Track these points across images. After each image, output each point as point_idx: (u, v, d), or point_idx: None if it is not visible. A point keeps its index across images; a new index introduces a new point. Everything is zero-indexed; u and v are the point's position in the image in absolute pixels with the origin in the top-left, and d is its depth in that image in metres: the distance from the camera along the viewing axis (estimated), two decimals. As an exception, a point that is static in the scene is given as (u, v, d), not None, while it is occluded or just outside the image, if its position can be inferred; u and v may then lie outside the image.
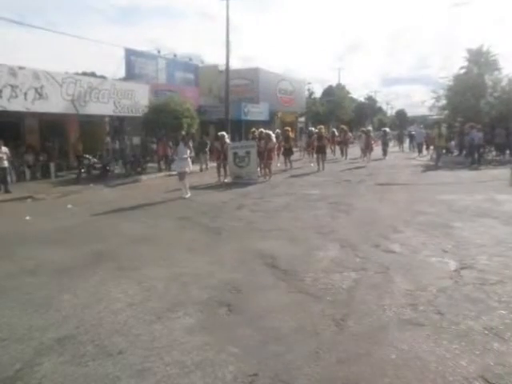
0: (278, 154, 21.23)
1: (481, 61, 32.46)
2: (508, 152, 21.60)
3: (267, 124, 29.29)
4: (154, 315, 4.27)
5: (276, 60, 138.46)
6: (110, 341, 3.77)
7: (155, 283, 5.19)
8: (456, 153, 24.46)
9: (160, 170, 19.52)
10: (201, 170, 19.81)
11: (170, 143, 19.65)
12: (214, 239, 7.36)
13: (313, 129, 24.11)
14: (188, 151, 12.35)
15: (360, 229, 7.71)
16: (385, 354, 3.46)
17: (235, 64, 33.21)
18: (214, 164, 17.16)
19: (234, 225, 8.37)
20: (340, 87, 56.49)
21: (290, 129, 20.99)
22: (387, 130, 28.16)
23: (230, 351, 3.54)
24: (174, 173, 18.13)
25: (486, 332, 3.75)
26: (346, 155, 25.11)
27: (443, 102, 29.46)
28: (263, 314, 4.27)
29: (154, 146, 22.23)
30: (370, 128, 23.38)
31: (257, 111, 32.47)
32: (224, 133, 16.46)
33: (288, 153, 19.69)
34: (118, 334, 3.91)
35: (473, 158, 19.50)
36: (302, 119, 44.80)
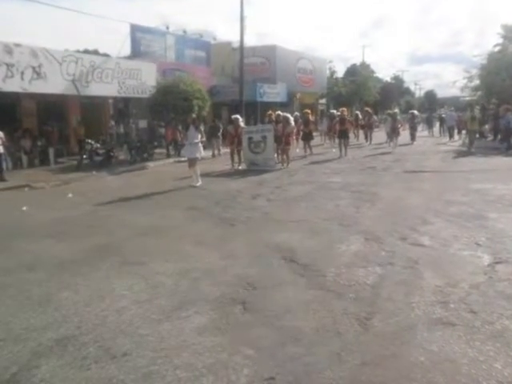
0: (297, 139, 21.13)
1: (517, 38, 31.71)
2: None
3: (285, 106, 29.12)
4: (162, 314, 4.25)
5: (295, 37, 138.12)
6: (114, 342, 3.75)
7: (163, 279, 5.17)
8: (490, 137, 24.04)
9: (168, 156, 19.56)
10: (213, 155, 19.83)
11: (180, 127, 19.55)
12: (227, 231, 7.34)
13: (334, 111, 23.88)
14: (199, 136, 12.12)
15: (386, 220, 7.64)
16: (413, 356, 3.40)
17: (250, 41, 33.15)
18: (228, 150, 17.14)
19: (249, 216, 8.32)
20: (364, 66, 56.04)
21: (309, 111, 20.68)
22: (415, 112, 27.81)
23: (245, 353, 3.51)
24: (183, 159, 18.14)
25: (524, 333, 3.67)
26: (371, 140, 25.00)
27: (476, 82, 29.09)
28: (281, 312, 4.23)
29: (162, 131, 22.15)
30: (396, 111, 23.12)
31: (274, 92, 32.30)
32: (238, 116, 16.40)
33: (308, 137, 19.39)
34: (122, 334, 3.89)
35: (508, 143, 19.11)
36: (323, 101, 44.51)
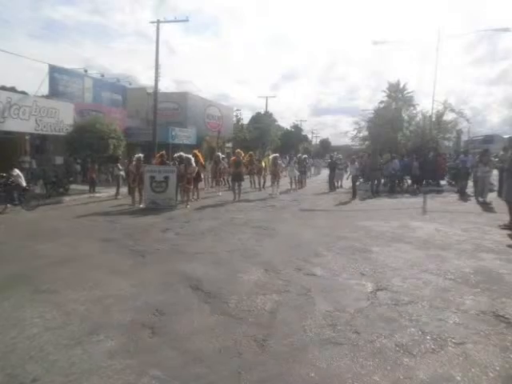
0: (224, 179, 21.23)
1: (398, 97, 34.68)
2: (424, 182, 22.95)
3: (194, 148, 29.30)
4: (74, 339, 4.15)
5: (211, 85, 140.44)
6: (24, 368, 3.60)
7: (76, 306, 5.04)
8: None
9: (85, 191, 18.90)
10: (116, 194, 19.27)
11: (96, 165, 19.19)
12: (138, 261, 7.27)
13: (219, 154, 22.02)
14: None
15: (283, 253, 7.91)
16: (305, 373, 3.60)
17: (170, 86, 33.54)
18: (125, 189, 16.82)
19: (158, 247, 8.30)
20: (267, 115, 57.73)
21: (241, 152, 19.35)
22: (304, 156, 27.16)
23: (153, 374, 3.53)
24: (98, 195, 17.73)
25: (398, 349, 4.01)
26: (263, 184, 23.01)
27: (365, 133, 31.14)
28: (187, 335, 4.29)
29: (78, 167, 21.57)
30: (276, 154, 21.98)
31: (185, 135, 32.50)
32: (140, 155, 16.08)
33: (238, 178, 17.47)
34: (32, 360, 3.74)
35: (462, 185, 19.62)
36: (230, 145, 45.28)
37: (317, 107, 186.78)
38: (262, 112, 58.87)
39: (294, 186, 22.59)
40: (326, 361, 3.80)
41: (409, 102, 36.36)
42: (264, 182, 23.08)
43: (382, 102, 37.40)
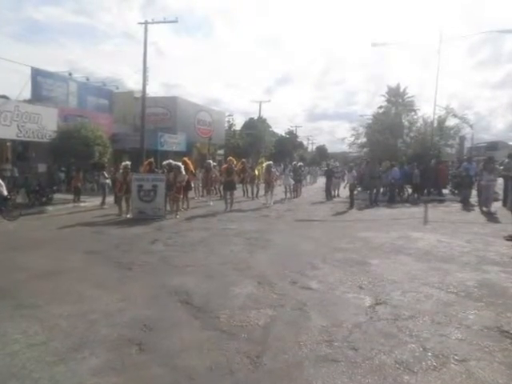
0: (216, 187, 21.25)
1: (398, 101, 34.95)
2: (425, 191, 23.05)
3: (183, 155, 29.33)
4: (57, 356, 4.13)
5: (202, 90, 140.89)
6: (5, 386, 3.59)
7: (59, 321, 5.02)
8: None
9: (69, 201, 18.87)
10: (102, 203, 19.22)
11: (81, 173, 19.16)
12: (125, 274, 7.26)
13: (211, 161, 21.77)
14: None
15: (277, 265, 7.92)
16: (298, 391, 3.60)
17: (159, 91, 33.53)
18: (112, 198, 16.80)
19: (146, 260, 8.29)
20: (261, 120, 57.78)
21: (233, 159, 19.26)
22: (299, 164, 27.13)
23: (139, 392, 3.52)
24: (82, 204, 17.67)
25: (398, 366, 4.02)
26: (257, 194, 22.85)
27: (363, 139, 31.20)
28: (176, 352, 4.28)
29: (62, 175, 21.51)
30: (270, 162, 21.80)
31: (174, 142, 32.55)
32: (128, 162, 16.02)
33: (230, 187, 17.40)
34: (14, 378, 3.73)
35: (465, 194, 19.73)
36: (221, 152, 45.34)
37: (313, 112, 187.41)
38: (256, 117, 59.01)
39: (288, 195, 22.64)
40: (322, 379, 3.80)
41: (409, 106, 36.67)
42: (257, 191, 23.05)
43: (381, 106, 37.73)
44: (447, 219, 14.37)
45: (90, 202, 18.90)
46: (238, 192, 20.24)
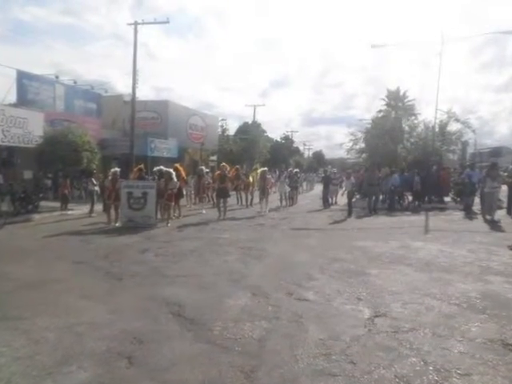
0: (209, 195, 21.29)
1: (398, 105, 35.07)
2: (426, 199, 23.12)
3: (175, 161, 29.32)
4: (44, 370, 4.12)
5: (194, 93, 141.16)
6: (-13, 402, 3.58)
7: (46, 334, 5.00)
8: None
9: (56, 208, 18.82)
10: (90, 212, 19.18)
11: (68, 180, 19.13)
12: (115, 285, 7.24)
13: (203, 167, 21.71)
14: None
15: (273, 276, 7.92)
16: (296, 407, 3.60)
17: (149, 94, 33.53)
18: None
19: (136, 270, 8.27)
20: (255, 125, 57.78)
21: (226, 165, 18.88)
22: (295, 170, 26.94)
23: (128, 409, 3.51)
24: (70, 212, 17.63)
25: (397, 380, 4.02)
26: (251, 201, 22.91)
27: (362, 145, 31.28)
28: (167, 366, 4.27)
29: (49, 182, 21.46)
30: (265, 168, 21.65)
31: (165, 147, 32.58)
32: (117, 169, 15.98)
33: (223, 194, 17.27)
34: (-2, 393, 3.72)
35: (467, 201, 19.78)
36: (214, 157, 45.36)
37: (309, 117, 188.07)
38: (250, 122, 59.06)
39: (284, 203, 22.65)
40: (319, 394, 3.81)
41: (410, 110, 36.81)
42: (252, 199, 23.10)
43: (380, 111, 37.85)
44: (449, 228, 14.43)
45: (78, 209, 18.90)
46: (232, 200, 20.23)
